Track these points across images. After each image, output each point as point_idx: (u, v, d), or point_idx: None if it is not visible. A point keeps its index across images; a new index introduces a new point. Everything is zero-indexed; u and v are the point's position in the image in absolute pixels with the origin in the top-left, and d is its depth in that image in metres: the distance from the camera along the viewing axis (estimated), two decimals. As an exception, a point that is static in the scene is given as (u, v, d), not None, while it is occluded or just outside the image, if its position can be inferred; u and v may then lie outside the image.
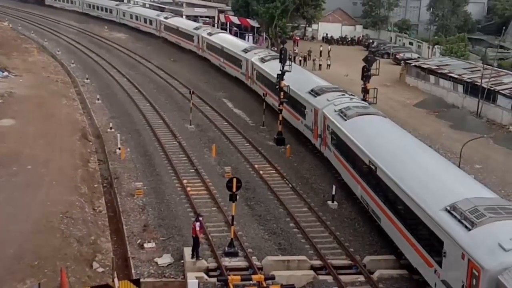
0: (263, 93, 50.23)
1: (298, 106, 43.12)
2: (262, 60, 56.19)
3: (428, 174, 25.99)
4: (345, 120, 34.87)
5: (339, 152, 34.84)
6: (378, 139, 31.27)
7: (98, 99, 55.14)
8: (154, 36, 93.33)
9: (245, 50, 61.82)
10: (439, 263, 21.82)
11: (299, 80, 42.92)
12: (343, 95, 39.81)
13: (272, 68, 50.34)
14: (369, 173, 29.52)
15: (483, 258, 19.12)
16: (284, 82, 42.99)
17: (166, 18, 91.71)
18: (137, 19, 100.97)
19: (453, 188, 23.92)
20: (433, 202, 23.04)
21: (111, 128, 45.92)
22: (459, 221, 21.22)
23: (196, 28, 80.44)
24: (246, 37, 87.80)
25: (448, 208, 22.14)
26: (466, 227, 20.75)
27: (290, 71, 43.13)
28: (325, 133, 37.43)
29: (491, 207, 21.49)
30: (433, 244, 22.35)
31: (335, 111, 36.61)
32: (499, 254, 18.89)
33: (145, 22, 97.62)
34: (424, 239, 23.27)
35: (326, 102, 38.62)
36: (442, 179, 25.32)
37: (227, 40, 70.89)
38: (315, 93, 41.40)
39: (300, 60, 76.31)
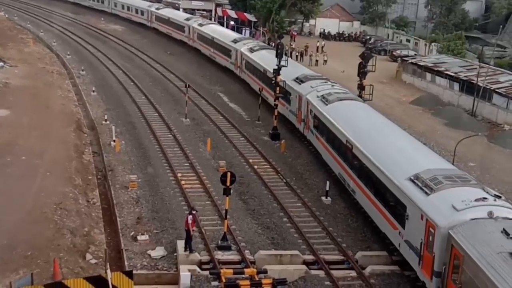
0: (259, 88, 50.30)
1: (283, 93, 44.91)
2: (251, 50, 58.50)
3: (396, 149, 29.20)
4: (326, 104, 37.44)
5: (320, 134, 37.57)
6: (355, 121, 34.18)
7: (93, 91, 55.07)
8: (150, 28, 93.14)
9: (235, 41, 64.03)
10: (403, 225, 24.89)
11: (285, 69, 44.41)
12: (325, 82, 42.57)
13: (260, 57, 54.18)
14: (346, 151, 32.40)
15: (438, 217, 22.20)
16: (271, 69, 45.39)
17: (157, 9, 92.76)
18: (128, 9, 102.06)
19: (417, 161, 26.91)
20: (400, 173, 26.01)
21: (106, 120, 45.88)
22: (420, 188, 24.19)
23: (187, 19, 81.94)
24: (243, 31, 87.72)
25: (412, 177, 25.08)
26: (425, 192, 23.76)
27: (286, 66, 43.70)
28: (308, 118, 39.95)
29: (448, 176, 24.51)
30: (398, 209, 25.45)
31: (318, 96, 39.11)
32: (452, 213, 21.96)
33: (137, 12, 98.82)
34: (391, 206, 26.38)
35: (309, 89, 41.15)
36: (409, 154, 28.49)
37: (217, 31, 72.97)
38: (299, 80, 43.98)
39: (296, 56, 76.35)
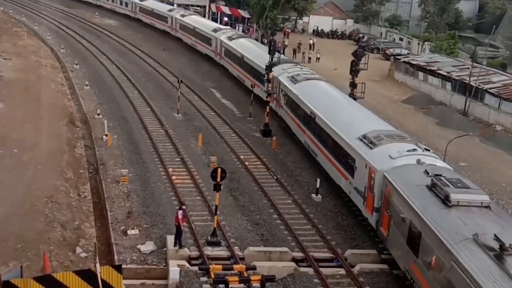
0: (251, 85, 50.54)
1: (257, 75, 50.63)
2: (230, 38, 63.47)
3: (350, 117, 34.80)
4: (295, 83, 42.81)
5: (289, 109, 42.89)
6: (318, 96, 39.66)
7: (86, 85, 55.03)
8: (145, 24, 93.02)
9: (215, 30, 68.84)
10: (352, 176, 30.24)
11: (259, 53, 52.13)
12: (295, 65, 48.31)
13: (238, 45, 60.12)
14: (310, 121, 37.73)
15: (377, 164, 27.45)
16: (247, 55, 54.45)
17: (141, 0, 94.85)
18: (113, 1, 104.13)
19: (366, 125, 32.22)
20: (351, 135, 31.33)
21: (98, 115, 45.88)
22: (366, 144, 29.62)
23: (170, 10, 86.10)
24: (237, 27, 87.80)
25: (360, 137, 30.45)
26: (370, 147, 29.22)
27: (279, 64, 45.21)
28: (280, 96, 45.19)
29: (389, 134, 30.31)
30: (349, 163, 30.85)
31: (288, 77, 44.41)
32: (388, 161, 27.20)
33: (121, 4, 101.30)
34: (344, 161, 31.78)
35: (281, 71, 45.75)
36: (360, 120, 33.99)
37: (198, 21, 77.73)
38: (273, 64, 46.41)
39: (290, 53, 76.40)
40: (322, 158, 35.43)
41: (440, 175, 24.14)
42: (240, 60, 57.26)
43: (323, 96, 39.82)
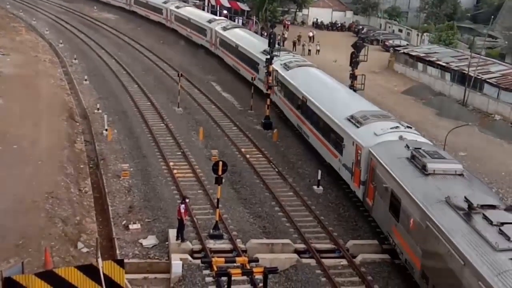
0: (252, 78, 50.47)
1: (252, 64, 53.14)
2: (224, 28, 65.45)
3: (339, 100, 36.97)
4: (287, 70, 44.81)
5: (282, 95, 44.77)
6: (309, 81, 41.73)
7: (85, 80, 54.93)
8: (143, 18, 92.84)
9: (210, 21, 70.86)
10: (341, 153, 32.31)
11: (254, 43, 56.03)
12: (288, 53, 50.55)
13: (232, 35, 62.23)
14: (302, 105, 39.80)
15: (363, 141, 29.46)
16: (241, 44, 56.98)
17: None
18: None
19: (353, 106, 34.22)
20: (340, 115, 33.32)
21: (98, 109, 45.81)
22: (353, 123, 31.59)
23: (165, 2, 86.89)
24: (236, 20, 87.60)
25: (349, 117, 32.40)
26: (357, 126, 31.21)
27: (278, 55, 45.21)
28: (274, 83, 46.34)
29: (375, 114, 32.43)
30: (338, 142, 32.85)
31: (281, 64, 46.35)
32: (372, 138, 29.23)
33: None
34: (333, 140, 33.81)
35: (274, 59, 45.95)
36: (348, 102, 36.18)
37: (193, 12, 79.46)
38: (267, 52, 47.91)
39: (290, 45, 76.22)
40: (314, 140, 37.57)
41: (420, 148, 26.17)
42: (235, 50, 59.11)
43: (314, 81, 41.94)
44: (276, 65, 45.92)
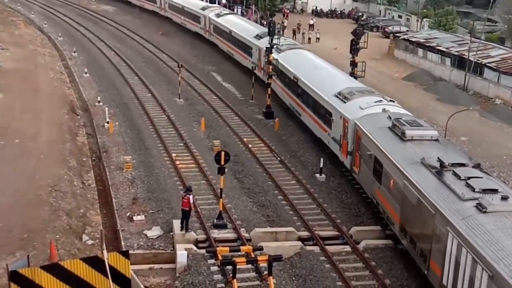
0: (252, 67, 50.43)
1: (246, 48, 55.48)
2: (217, 15, 67.18)
3: (328, 78, 39.12)
4: (279, 53, 46.68)
5: (276, 77, 45.77)
6: (300, 62, 43.78)
7: (86, 73, 54.90)
8: (141, 8, 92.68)
9: (203, 8, 72.69)
10: (330, 127, 34.61)
11: (246, 28, 58.84)
12: (279, 38, 49.41)
13: (225, 21, 64.14)
14: (293, 85, 41.95)
15: (350, 115, 31.73)
16: (235, 29, 59.17)
17: None
18: None
19: (341, 84, 36.66)
20: (329, 92, 35.64)
21: (99, 102, 45.81)
22: (341, 99, 33.97)
23: None
24: (235, 9, 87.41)
25: (336, 94, 34.77)
26: (344, 101, 33.53)
27: (265, 37, 46.31)
28: (267, 66, 47.04)
29: (360, 90, 34.77)
30: (327, 117, 35.09)
31: (274, 48, 46.92)
32: (358, 111, 31.54)
33: None
34: (323, 116, 35.97)
35: (266, 42, 47.20)
36: (336, 80, 38.29)
37: (187, 0, 79.74)
38: (259, 36, 53.39)
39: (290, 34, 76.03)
40: (305, 117, 39.78)
41: (400, 118, 28.60)
42: (228, 35, 61.31)
43: (304, 62, 44.06)
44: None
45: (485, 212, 19.83)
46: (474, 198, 20.65)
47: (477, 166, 23.77)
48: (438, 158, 23.99)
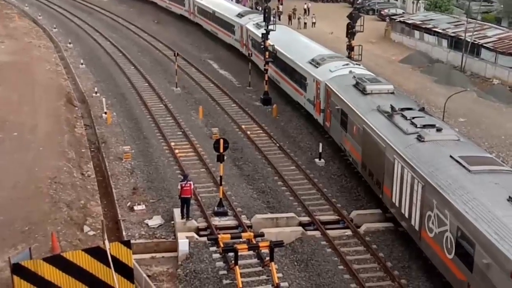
0: (248, 54, 50.28)
1: (228, 26, 59.72)
2: None
3: (304, 49, 43.33)
4: (259, 29, 49.08)
5: (257, 51, 50.08)
6: (279, 37, 45.96)
7: (82, 64, 54.76)
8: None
9: None
10: (305, 90, 39.08)
11: (228, 8, 63.64)
12: (259, 14, 54.91)
13: (208, 2, 67.58)
14: (273, 57, 44.78)
15: (321, 77, 36.27)
16: (218, 10, 63.13)
17: None
18: None
19: (314, 52, 41.08)
20: (303, 59, 40.13)
21: (96, 93, 45.73)
22: (313, 65, 38.43)
23: None
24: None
25: (310, 60, 39.21)
26: (316, 66, 38.01)
27: (274, 30, 43.93)
28: (248, 41, 53.82)
29: (331, 56, 39.35)
30: (302, 82, 39.67)
31: (253, 24, 53.24)
32: (328, 73, 36.03)
33: None
34: (299, 82, 40.48)
35: (247, 20, 55.02)
36: (311, 50, 42.48)
37: None
38: (240, 15, 58.01)
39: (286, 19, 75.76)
40: (284, 84, 44.14)
41: (362, 77, 33.12)
42: (212, 16, 65.26)
43: (282, 36, 46.74)
44: (250, 25, 53.49)
45: (423, 141, 24.53)
46: (416, 132, 25.26)
47: (422, 109, 28.90)
48: (390, 105, 28.49)
